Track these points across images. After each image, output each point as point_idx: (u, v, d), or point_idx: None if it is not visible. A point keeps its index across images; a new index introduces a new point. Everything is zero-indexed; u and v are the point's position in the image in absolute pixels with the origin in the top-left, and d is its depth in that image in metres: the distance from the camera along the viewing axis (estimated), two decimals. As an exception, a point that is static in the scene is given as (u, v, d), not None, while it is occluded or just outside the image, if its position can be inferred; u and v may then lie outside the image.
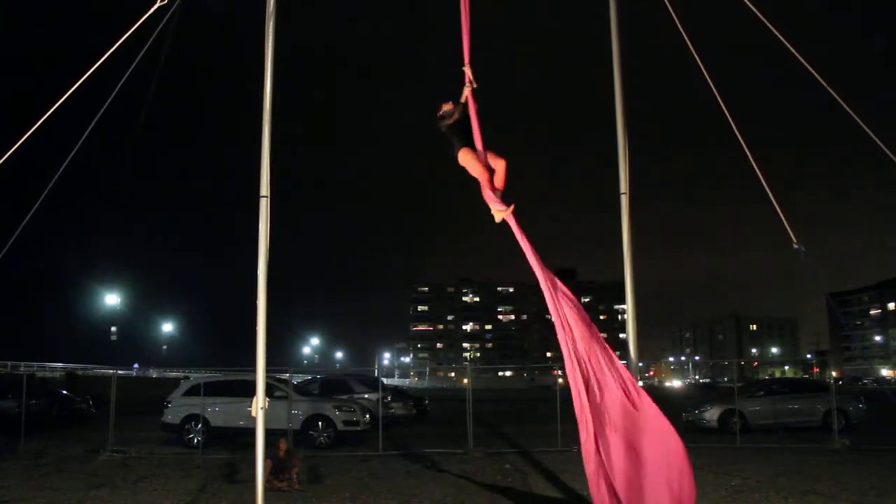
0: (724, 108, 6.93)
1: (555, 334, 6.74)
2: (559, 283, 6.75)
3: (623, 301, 11.91)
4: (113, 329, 57.44)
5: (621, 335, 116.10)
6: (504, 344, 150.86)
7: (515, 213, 6.79)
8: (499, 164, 6.96)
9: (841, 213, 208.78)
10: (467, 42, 7.05)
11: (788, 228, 6.84)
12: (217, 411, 15.84)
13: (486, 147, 7.01)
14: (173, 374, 48.07)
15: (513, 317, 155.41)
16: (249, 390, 7.37)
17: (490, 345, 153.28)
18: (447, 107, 7.08)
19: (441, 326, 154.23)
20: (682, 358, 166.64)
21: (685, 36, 6.99)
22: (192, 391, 16.40)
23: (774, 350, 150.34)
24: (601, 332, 6.83)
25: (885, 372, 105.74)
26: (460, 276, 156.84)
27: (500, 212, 6.82)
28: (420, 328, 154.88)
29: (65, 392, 24.65)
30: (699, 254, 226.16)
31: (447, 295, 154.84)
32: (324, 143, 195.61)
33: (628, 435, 6.28)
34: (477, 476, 11.18)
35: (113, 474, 11.47)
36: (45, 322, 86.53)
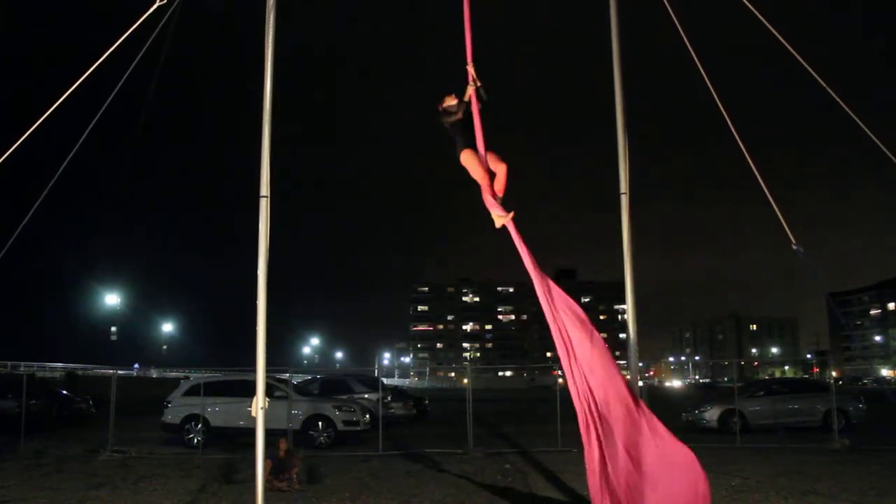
0: (722, 109, 6.93)
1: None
2: (558, 291, 6.60)
3: (623, 301, 11.89)
4: (113, 329, 57.44)
5: (621, 335, 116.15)
6: (504, 344, 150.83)
7: (516, 213, 6.73)
8: (500, 169, 6.88)
9: (841, 213, 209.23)
10: (470, 40, 6.97)
11: (787, 229, 6.85)
12: (217, 411, 15.85)
13: (488, 148, 6.94)
14: (173, 374, 48.08)
15: (513, 317, 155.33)
16: (249, 390, 7.37)
17: (490, 345, 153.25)
18: (450, 99, 6.97)
19: (441, 326, 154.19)
20: (682, 358, 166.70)
21: (685, 36, 6.99)
22: (192, 391, 16.42)
23: (774, 350, 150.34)
24: (601, 332, 6.76)
25: (885, 372, 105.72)
26: (460, 276, 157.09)
27: (501, 217, 6.72)
28: (420, 328, 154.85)
29: (65, 392, 24.65)
30: (699, 254, 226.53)
31: (447, 295, 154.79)
32: (324, 143, 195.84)
33: (629, 443, 6.23)
34: (477, 476, 11.17)
35: (113, 474, 11.47)
36: (45, 322, 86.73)
